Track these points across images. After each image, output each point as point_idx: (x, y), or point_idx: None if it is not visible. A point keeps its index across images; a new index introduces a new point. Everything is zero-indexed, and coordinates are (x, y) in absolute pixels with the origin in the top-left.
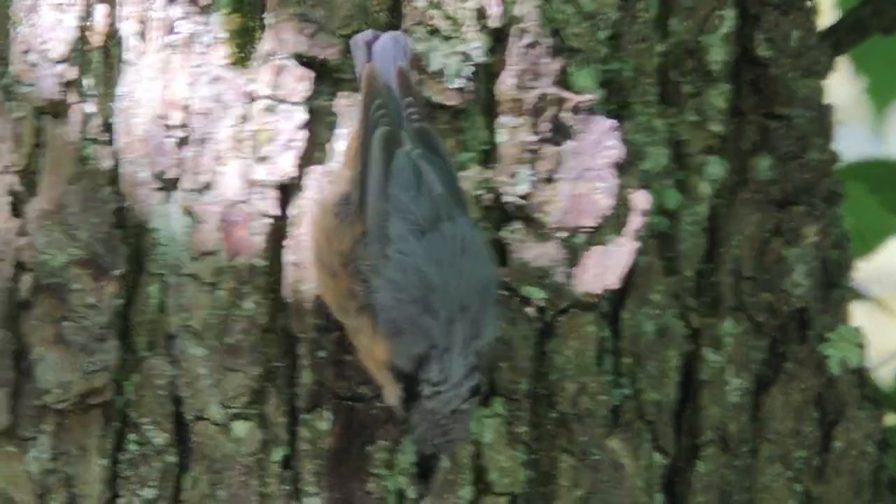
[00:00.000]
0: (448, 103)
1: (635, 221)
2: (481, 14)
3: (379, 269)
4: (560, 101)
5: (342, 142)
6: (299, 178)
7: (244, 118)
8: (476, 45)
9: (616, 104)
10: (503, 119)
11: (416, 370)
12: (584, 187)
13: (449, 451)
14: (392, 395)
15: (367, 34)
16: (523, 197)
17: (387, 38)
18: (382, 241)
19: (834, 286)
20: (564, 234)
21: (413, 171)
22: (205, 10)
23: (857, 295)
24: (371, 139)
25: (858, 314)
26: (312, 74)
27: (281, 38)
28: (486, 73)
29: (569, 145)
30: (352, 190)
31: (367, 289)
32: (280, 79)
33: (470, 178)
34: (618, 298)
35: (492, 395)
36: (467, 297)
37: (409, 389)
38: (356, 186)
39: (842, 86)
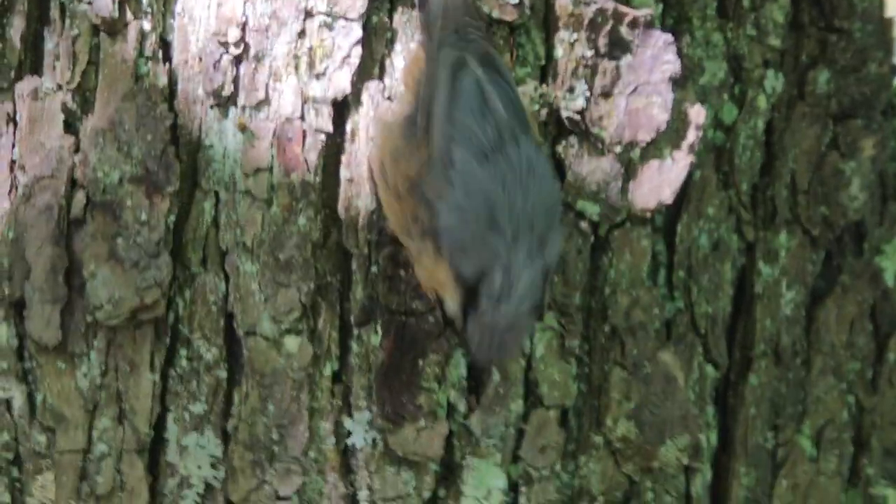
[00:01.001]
0: (506, 18)
1: (691, 136)
2: None
3: (442, 194)
4: (618, 16)
5: (400, 58)
6: (355, 94)
7: (301, 34)
8: None
9: (674, 18)
10: (561, 34)
11: (478, 283)
12: (641, 102)
13: (500, 363)
14: (453, 305)
15: None
16: (580, 112)
17: None
18: (447, 166)
19: (891, 199)
20: (620, 149)
21: (478, 94)
22: None
23: None
24: (436, 62)
25: None
26: None
27: None
28: None
29: (626, 60)
30: (416, 113)
31: (432, 213)
32: None
33: (527, 92)
34: (673, 212)
35: (545, 309)
36: (533, 216)
37: (470, 300)
38: (422, 109)
39: None
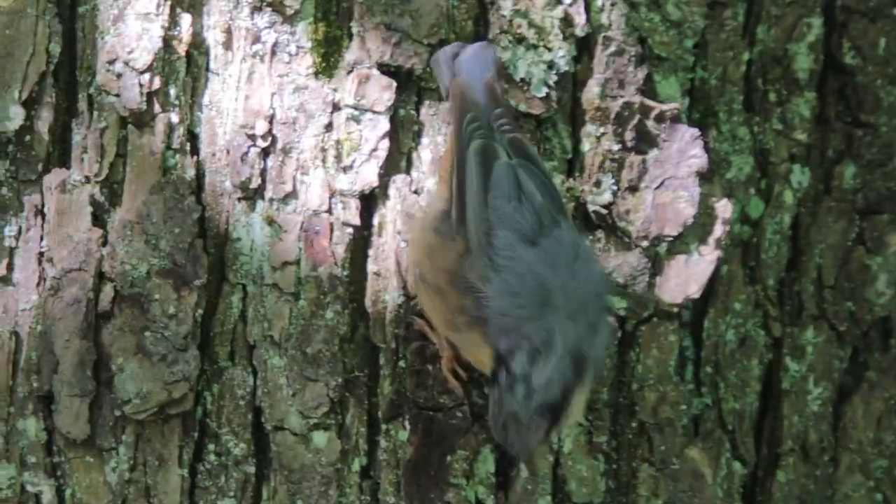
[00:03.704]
0: (533, 112)
1: (718, 230)
2: (567, 22)
3: (490, 278)
4: (645, 110)
5: (426, 151)
6: (382, 187)
7: (328, 127)
8: (561, 54)
9: (701, 112)
10: (588, 128)
11: (507, 357)
12: (668, 196)
13: (519, 453)
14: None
15: (453, 47)
16: (606, 206)
17: (472, 49)
18: (489, 252)
19: None
20: (647, 243)
21: (513, 181)
22: (290, 19)
23: None
24: (466, 153)
25: None
26: (395, 84)
27: (366, 48)
28: (572, 82)
29: (653, 154)
30: (450, 206)
31: (478, 302)
32: (364, 88)
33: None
34: (700, 307)
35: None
36: (585, 300)
37: (496, 373)
38: (455, 201)
39: None
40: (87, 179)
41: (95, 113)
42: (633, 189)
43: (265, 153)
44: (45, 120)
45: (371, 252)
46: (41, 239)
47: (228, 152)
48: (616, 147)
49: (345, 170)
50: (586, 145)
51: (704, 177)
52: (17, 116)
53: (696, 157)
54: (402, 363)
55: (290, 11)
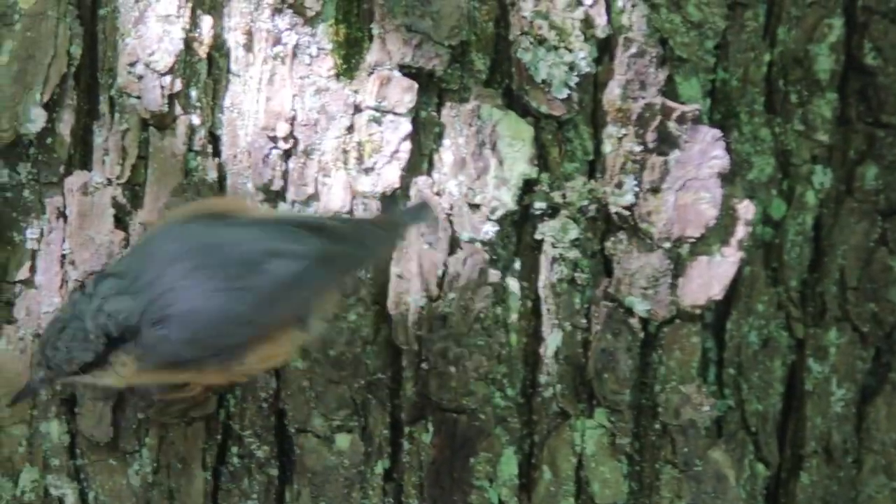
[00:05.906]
0: (554, 113)
1: (740, 231)
2: (588, 24)
3: None
4: (666, 111)
5: (448, 153)
6: (404, 188)
7: (349, 129)
8: (583, 55)
9: (722, 114)
10: (609, 129)
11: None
12: (690, 197)
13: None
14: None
15: None
16: (628, 207)
17: None
18: None
19: None
20: (669, 245)
21: None
22: (311, 21)
23: None
24: None
25: None
26: (417, 85)
27: (387, 49)
28: (593, 83)
29: (674, 155)
30: None
31: None
32: (386, 90)
33: (575, 188)
34: (722, 309)
35: (594, 406)
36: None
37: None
38: None
39: None
40: (109, 181)
41: (117, 115)
42: (655, 190)
43: (287, 155)
44: (66, 122)
45: (394, 255)
46: (63, 241)
47: (250, 154)
48: (638, 148)
49: (366, 171)
50: (608, 147)
51: (726, 178)
52: (38, 119)
53: (718, 159)
54: (424, 365)
55: (310, 13)
